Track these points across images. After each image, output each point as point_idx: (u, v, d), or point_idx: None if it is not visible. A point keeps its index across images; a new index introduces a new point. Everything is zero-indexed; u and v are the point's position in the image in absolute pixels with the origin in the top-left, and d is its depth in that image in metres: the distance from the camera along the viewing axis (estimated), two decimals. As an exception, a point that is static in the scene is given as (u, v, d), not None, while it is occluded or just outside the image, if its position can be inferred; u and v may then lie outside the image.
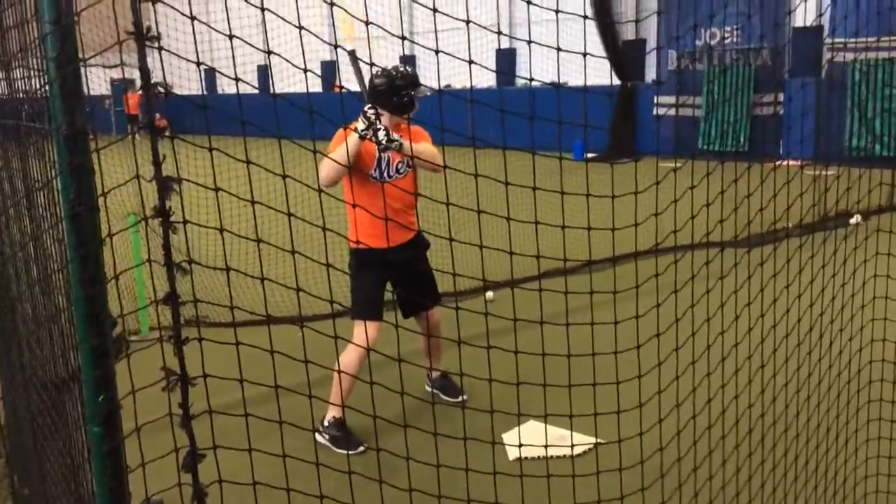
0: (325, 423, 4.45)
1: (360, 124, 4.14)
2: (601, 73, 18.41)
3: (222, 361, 1.91)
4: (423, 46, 2.40)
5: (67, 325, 2.29)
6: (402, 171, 4.51)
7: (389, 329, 4.28)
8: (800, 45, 16.73)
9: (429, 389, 5.11)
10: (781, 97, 17.25)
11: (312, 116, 2.23)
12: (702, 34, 18.73)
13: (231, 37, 1.85)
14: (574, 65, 2.67)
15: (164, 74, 1.73)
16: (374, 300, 4.49)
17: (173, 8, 1.86)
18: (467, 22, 2.24)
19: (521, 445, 2.84)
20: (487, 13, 20.96)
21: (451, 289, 6.05)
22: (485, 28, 2.74)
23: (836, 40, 15.76)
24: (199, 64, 1.81)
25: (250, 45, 1.98)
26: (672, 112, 18.07)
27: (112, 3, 1.91)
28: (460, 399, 4.85)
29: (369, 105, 4.15)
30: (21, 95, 2.65)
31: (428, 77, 5.64)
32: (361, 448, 4.27)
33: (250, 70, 25.13)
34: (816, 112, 16.24)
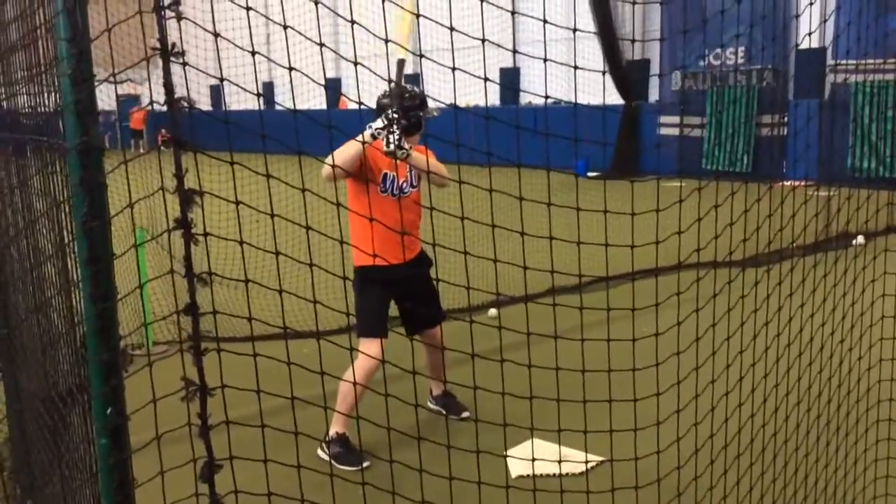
0: (328, 439, 4.44)
1: (379, 122, 4.15)
2: (608, 92, 18.49)
3: (238, 375, 1.93)
4: (435, 62, 2.43)
5: (76, 340, 2.31)
6: (406, 190, 4.53)
7: (395, 344, 4.30)
8: (804, 67, 16.80)
9: (432, 407, 5.11)
10: (785, 118, 17.30)
11: (331, 132, 2.26)
12: (706, 55, 18.81)
13: (254, 53, 1.88)
14: (580, 83, 2.70)
15: (187, 91, 1.75)
16: (380, 317, 4.51)
17: (196, 24, 1.89)
18: (483, 40, 2.28)
19: (533, 460, 2.84)
20: (492, 32, 21.03)
21: (459, 303, 6.08)
22: (494, 44, 2.77)
23: (840, 62, 15.83)
24: (221, 80, 1.84)
25: (268, 58, 2.01)
26: (675, 132, 18.13)
27: (138, 19, 1.94)
28: (464, 416, 4.85)
29: (394, 109, 4.15)
30: (27, 110, 2.68)
31: (433, 95, 5.68)
32: (367, 463, 4.27)
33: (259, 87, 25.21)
34: (819, 133, 16.29)
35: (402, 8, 4.09)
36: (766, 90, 17.83)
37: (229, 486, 1.94)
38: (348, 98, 2.31)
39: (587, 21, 17.52)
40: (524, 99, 22.39)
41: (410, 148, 4.27)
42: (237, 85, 2.07)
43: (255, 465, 2.05)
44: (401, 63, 4.04)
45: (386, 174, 4.45)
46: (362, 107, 2.25)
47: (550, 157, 2.56)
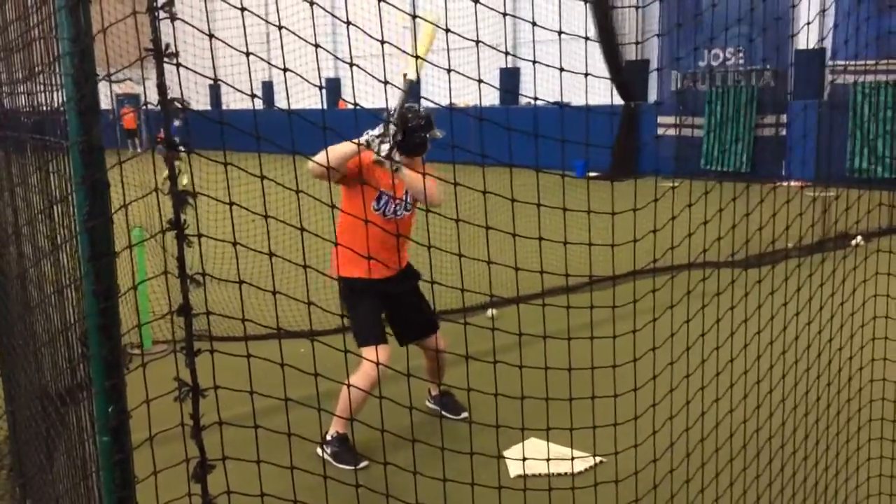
0: (328, 438, 4.46)
1: (377, 130, 4.15)
2: (604, 93, 18.49)
3: (231, 376, 1.94)
4: (432, 64, 2.44)
5: (77, 338, 2.32)
6: (399, 213, 4.53)
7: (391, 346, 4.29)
8: (802, 67, 16.82)
9: (430, 406, 5.13)
10: (784, 118, 17.32)
11: (325, 132, 2.27)
12: (704, 55, 18.83)
13: (248, 54, 1.89)
14: (577, 84, 2.71)
15: (181, 91, 1.76)
16: (376, 324, 4.52)
17: (190, 25, 1.90)
18: (476, 42, 2.29)
19: (524, 459, 2.86)
20: (491, 33, 21.05)
21: (454, 305, 6.08)
22: (491, 47, 2.78)
23: (838, 63, 15.85)
24: (215, 80, 1.85)
25: (262, 59, 2.02)
26: (673, 132, 18.14)
27: (132, 19, 1.95)
28: (462, 416, 4.87)
29: (393, 116, 4.15)
30: (28, 109, 2.69)
31: (430, 95, 5.69)
32: (364, 463, 4.28)
33: (256, 87, 25.24)
34: (818, 134, 16.31)
35: (427, 22, 4.06)
36: (765, 90, 17.85)
37: (222, 486, 1.95)
38: (346, 101, 2.32)
39: (586, 22, 17.51)
40: (524, 99, 22.39)
41: (401, 164, 4.25)
42: (230, 85, 2.08)
43: (248, 466, 2.06)
44: (410, 82, 4.03)
45: (382, 194, 4.45)
46: (358, 108, 2.26)
47: (548, 158, 2.58)
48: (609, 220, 2.40)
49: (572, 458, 2.80)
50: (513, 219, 2.31)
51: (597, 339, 2.50)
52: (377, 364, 4.18)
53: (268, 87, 27.27)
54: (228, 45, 2.04)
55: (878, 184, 11.59)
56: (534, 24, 2.26)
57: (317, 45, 2.05)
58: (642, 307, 2.63)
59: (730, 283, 3.05)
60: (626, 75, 19.19)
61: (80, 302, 2.02)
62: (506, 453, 4.30)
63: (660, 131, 18.83)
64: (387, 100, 4.52)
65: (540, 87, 2.48)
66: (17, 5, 2.66)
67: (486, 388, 2.53)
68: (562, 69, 2.30)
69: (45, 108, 2.36)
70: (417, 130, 4.39)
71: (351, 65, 2.06)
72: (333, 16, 2.40)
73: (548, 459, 2.80)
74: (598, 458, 3.65)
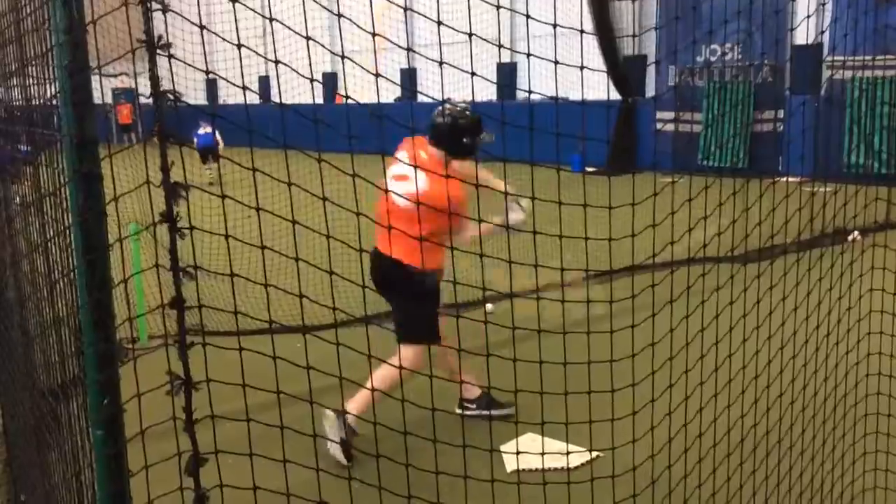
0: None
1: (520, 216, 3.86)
2: (601, 88, 18.47)
3: (224, 371, 1.93)
4: (426, 58, 2.43)
5: (69, 331, 2.31)
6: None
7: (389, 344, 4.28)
8: (800, 63, 16.80)
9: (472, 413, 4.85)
10: (781, 114, 17.30)
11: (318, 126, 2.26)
12: (702, 50, 18.80)
13: (239, 46, 1.88)
14: (574, 79, 2.69)
15: (173, 84, 1.75)
16: (438, 324, 4.47)
17: (183, 17, 1.89)
18: (470, 35, 2.28)
19: (518, 453, 2.85)
20: (489, 27, 21.03)
21: (449, 300, 6.07)
22: (487, 41, 2.77)
23: (836, 58, 15.83)
24: (207, 73, 1.84)
25: (257, 53, 2.01)
26: (671, 127, 18.11)
27: (123, 11, 1.94)
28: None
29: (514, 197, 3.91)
30: (20, 103, 2.67)
31: (428, 89, 5.68)
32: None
33: (253, 81, 25.20)
34: (815, 129, 16.29)
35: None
36: (762, 86, 17.83)
37: (215, 480, 1.94)
38: (342, 95, 2.30)
39: (585, 17, 17.48)
40: (521, 94, 22.37)
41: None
42: (224, 79, 2.06)
43: (242, 459, 2.05)
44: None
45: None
46: (351, 101, 2.24)
47: (544, 153, 2.57)
48: (606, 216, 2.40)
49: (567, 453, 2.79)
50: (506, 214, 2.30)
51: (595, 335, 2.50)
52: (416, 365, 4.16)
53: (265, 81, 27.20)
54: (223, 39, 2.03)
55: (875, 179, 11.59)
56: (528, 16, 2.25)
57: (308, 38, 2.03)
58: (640, 302, 2.62)
59: (729, 278, 3.04)
60: (624, 70, 19.17)
61: (74, 295, 2.01)
62: (502, 447, 4.30)
63: (658, 126, 18.81)
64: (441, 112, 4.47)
65: (538, 83, 2.48)
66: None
67: (494, 382, 2.52)
68: (556, 62, 2.29)
69: (36, 101, 2.34)
70: (466, 133, 4.35)
71: (342, 58, 2.05)
72: (328, 10, 2.39)
73: (542, 454, 2.79)
74: (594, 453, 3.65)
